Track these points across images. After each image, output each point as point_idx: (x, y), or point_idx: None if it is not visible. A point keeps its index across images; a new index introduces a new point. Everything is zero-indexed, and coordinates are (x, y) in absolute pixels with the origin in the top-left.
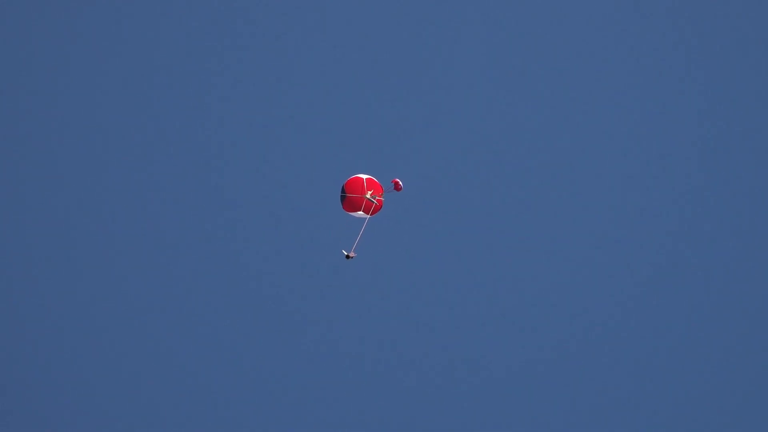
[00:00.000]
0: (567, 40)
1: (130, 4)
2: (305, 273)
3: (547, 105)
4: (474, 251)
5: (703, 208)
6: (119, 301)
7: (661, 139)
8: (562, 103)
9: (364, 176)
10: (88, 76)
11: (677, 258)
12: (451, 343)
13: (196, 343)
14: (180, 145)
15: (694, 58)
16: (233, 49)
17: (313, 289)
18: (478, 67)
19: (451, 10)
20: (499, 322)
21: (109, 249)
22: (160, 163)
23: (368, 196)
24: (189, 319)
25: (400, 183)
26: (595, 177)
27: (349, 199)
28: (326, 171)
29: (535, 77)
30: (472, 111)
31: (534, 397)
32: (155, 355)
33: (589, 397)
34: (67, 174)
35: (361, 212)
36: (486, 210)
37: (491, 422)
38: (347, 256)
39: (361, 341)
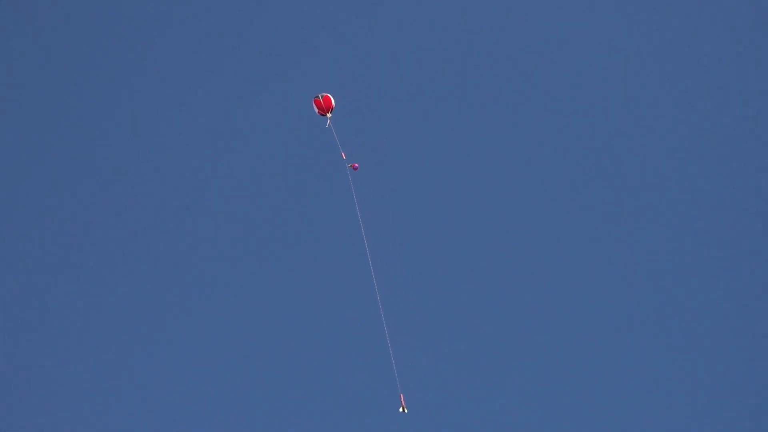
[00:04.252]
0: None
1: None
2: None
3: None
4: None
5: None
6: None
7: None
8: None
9: (332, 103)
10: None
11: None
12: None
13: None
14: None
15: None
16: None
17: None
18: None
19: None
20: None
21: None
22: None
23: (328, 116)
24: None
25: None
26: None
27: (318, 103)
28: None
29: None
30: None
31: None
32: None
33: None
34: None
35: (316, 110)
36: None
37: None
38: (403, 408)
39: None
